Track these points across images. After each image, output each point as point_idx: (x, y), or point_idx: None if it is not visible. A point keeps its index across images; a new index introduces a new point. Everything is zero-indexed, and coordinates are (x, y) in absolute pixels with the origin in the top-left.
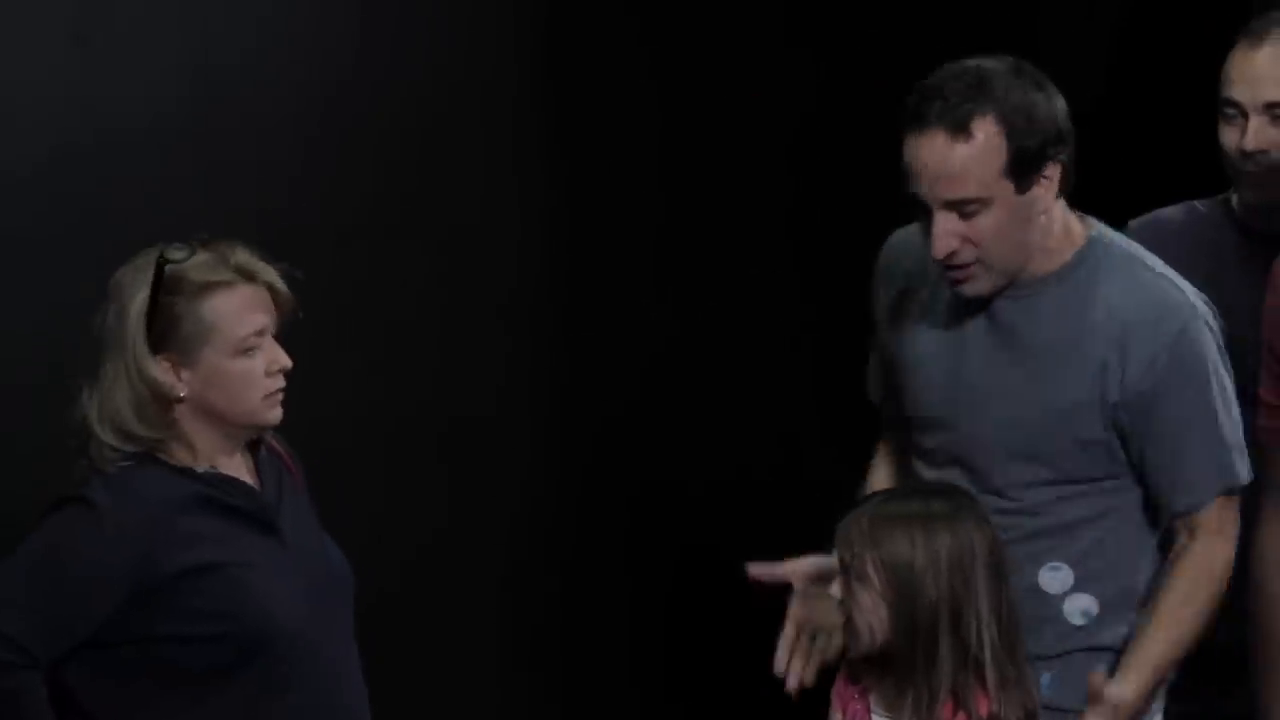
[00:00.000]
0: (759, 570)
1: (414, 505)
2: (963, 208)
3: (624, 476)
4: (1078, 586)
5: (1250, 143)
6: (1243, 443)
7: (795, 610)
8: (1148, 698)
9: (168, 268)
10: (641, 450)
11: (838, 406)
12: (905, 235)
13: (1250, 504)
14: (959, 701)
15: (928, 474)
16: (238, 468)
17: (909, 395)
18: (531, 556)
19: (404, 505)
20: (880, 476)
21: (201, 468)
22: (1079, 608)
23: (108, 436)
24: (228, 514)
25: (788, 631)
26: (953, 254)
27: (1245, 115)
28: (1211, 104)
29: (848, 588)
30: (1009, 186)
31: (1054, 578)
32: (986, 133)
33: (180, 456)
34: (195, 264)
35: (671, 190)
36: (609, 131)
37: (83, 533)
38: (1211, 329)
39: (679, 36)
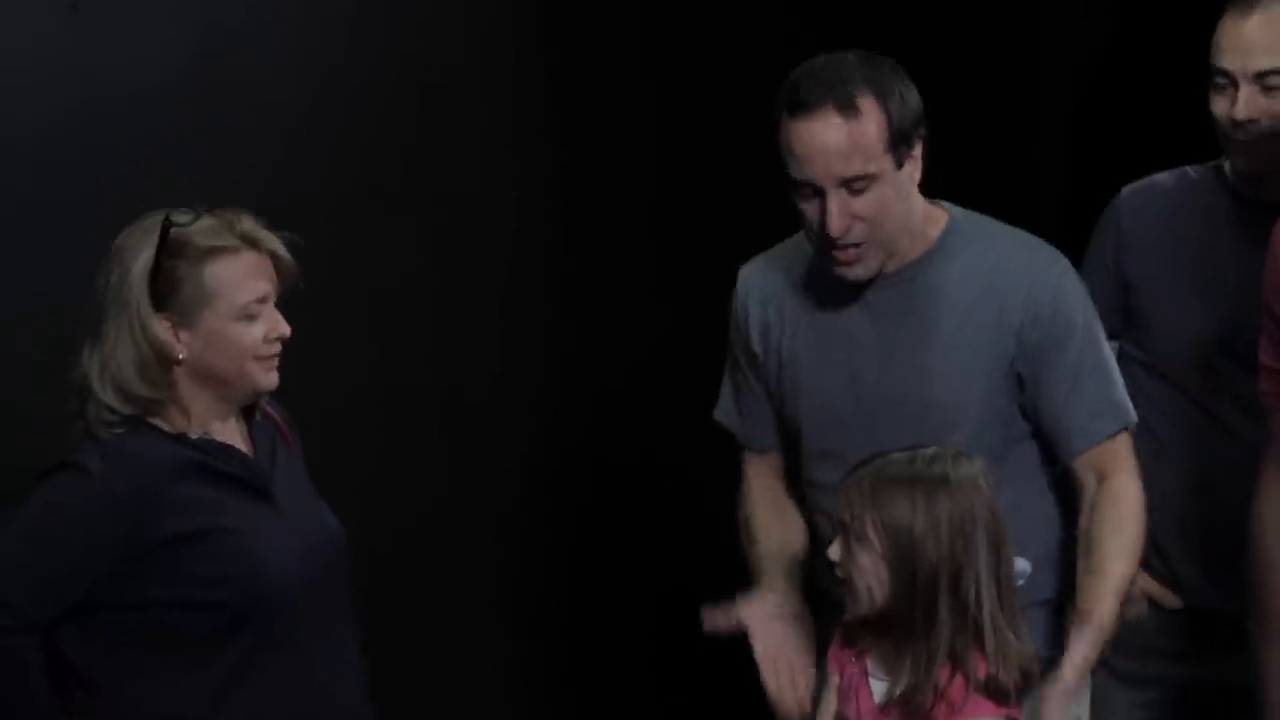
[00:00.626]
0: (714, 623)
1: (410, 474)
2: (854, 184)
3: (621, 449)
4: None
5: (1240, 112)
6: (1122, 383)
7: (762, 650)
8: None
9: (173, 230)
10: (638, 422)
11: None
12: (751, 268)
13: (1251, 469)
14: (956, 663)
15: (827, 502)
16: (232, 434)
17: (808, 426)
18: (527, 526)
19: (400, 474)
20: (761, 507)
21: (195, 434)
22: (1017, 570)
23: (107, 396)
24: (221, 480)
25: (766, 671)
26: (846, 233)
27: (1235, 84)
28: (1205, 71)
29: (847, 549)
30: (890, 161)
31: None
32: (870, 109)
33: (175, 422)
34: (200, 229)
35: (670, 165)
36: (608, 104)
37: (75, 498)
38: (1077, 281)
39: (679, 14)
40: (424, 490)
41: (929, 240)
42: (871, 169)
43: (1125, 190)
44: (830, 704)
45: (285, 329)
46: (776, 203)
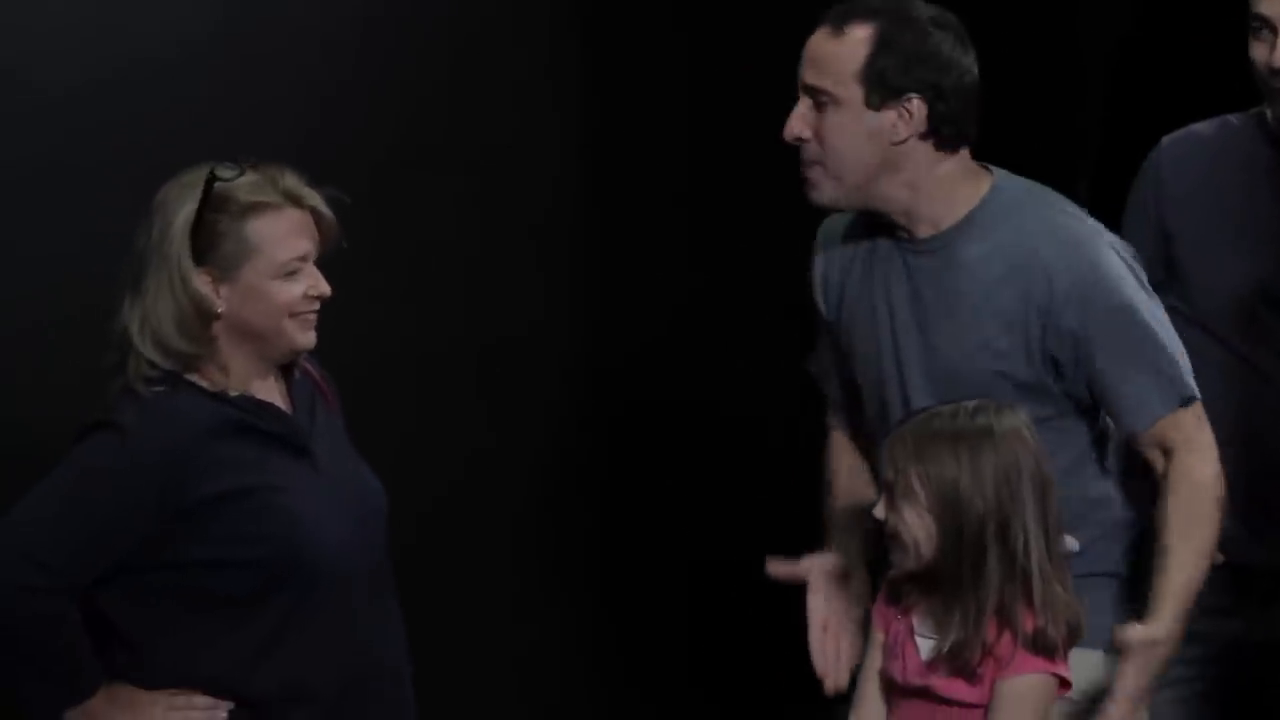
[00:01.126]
0: (778, 569)
1: (448, 430)
2: (817, 97)
3: (660, 406)
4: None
5: (1279, 59)
6: (1183, 355)
7: (815, 612)
8: (1181, 624)
9: (216, 185)
10: (675, 374)
11: None
12: (827, 224)
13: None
14: (1004, 618)
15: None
16: (270, 391)
17: (863, 384)
18: (565, 481)
19: (438, 430)
20: (843, 466)
21: (234, 391)
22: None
23: (147, 350)
24: (260, 438)
25: (815, 635)
26: (801, 143)
27: (1274, 30)
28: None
29: (892, 505)
30: (859, 93)
31: None
32: (857, 37)
33: (214, 378)
34: (244, 184)
35: (705, 114)
36: (643, 53)
37: (113, 457)
38: (1121, 255)
39: None
40: (462, 449)
41: (961, 210)
42: (834, 89)
43: (1165, 140)
44: (875, 661)
45: (326, 288)
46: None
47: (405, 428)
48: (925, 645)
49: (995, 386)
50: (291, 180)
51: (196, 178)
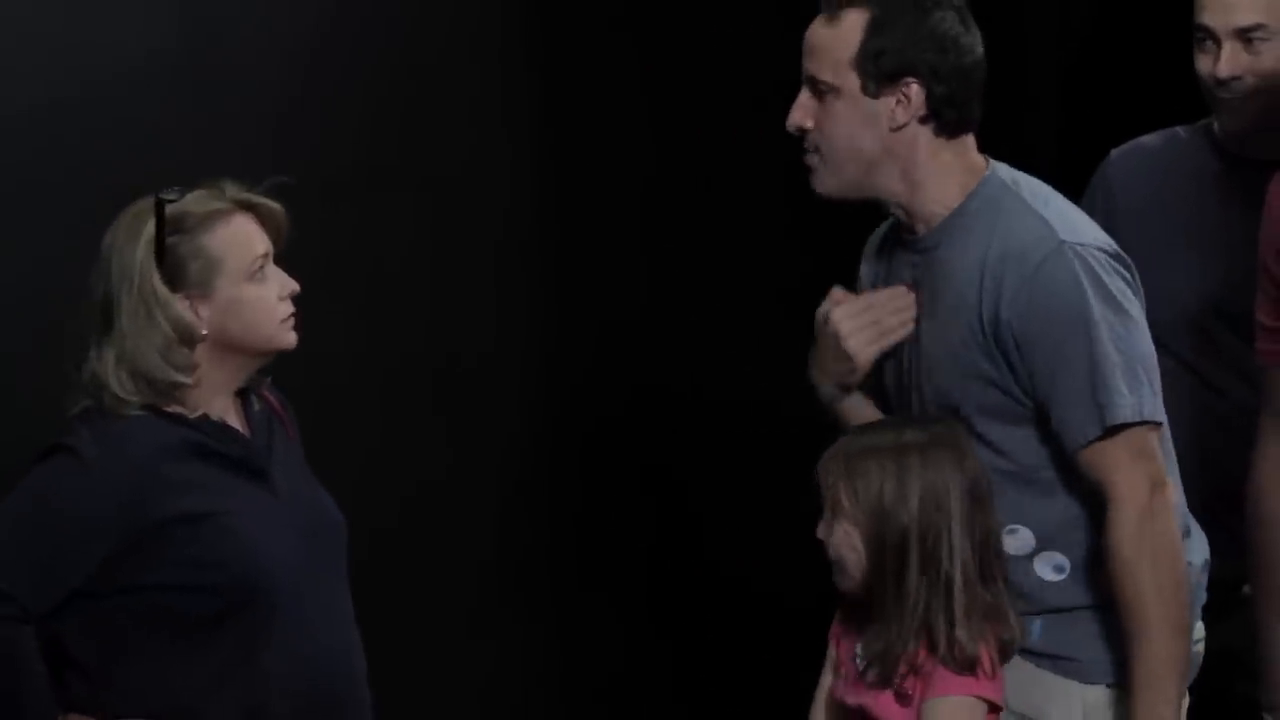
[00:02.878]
0: None
1: (405, 453)
2: (816, 85)
3: (615, 418)
4: (1041, 546)
5: (1224, 69)
6: (1139, 378)
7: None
8: (1174, 701)
9: (168, 206)
10: (632, 392)
11: None
12: (875, 235)
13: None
14: (927, 633)
15: None
16: (229, 415)
17: (890, 393)
18: (524, 505)
19: (396, 454)
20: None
21: (193, 414)
22: (1051, 564)
23: (126, 388)
24: (218, 461)
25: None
26: (802, 133)
27: (1218, 41)
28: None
29: (828, 521)
30: (855, 81)
31: (1012, 541)
32: (851, 23)
33: (184, 403)
34: (192, 199)
35: (661, 132)
36: (598, 74)
37: (70, 482)
38: (1091, 265)
39: None
40: (420, 470)
41: (953, 204)
42: (829, 78)
43: (1113, 153)
44: (827, 680)
45: (294, 284)
46: (778, 166)
47: (363, 450)
48: (861, 664)
49: (978, 391)
50: (233, 187)
51: (141, 208)
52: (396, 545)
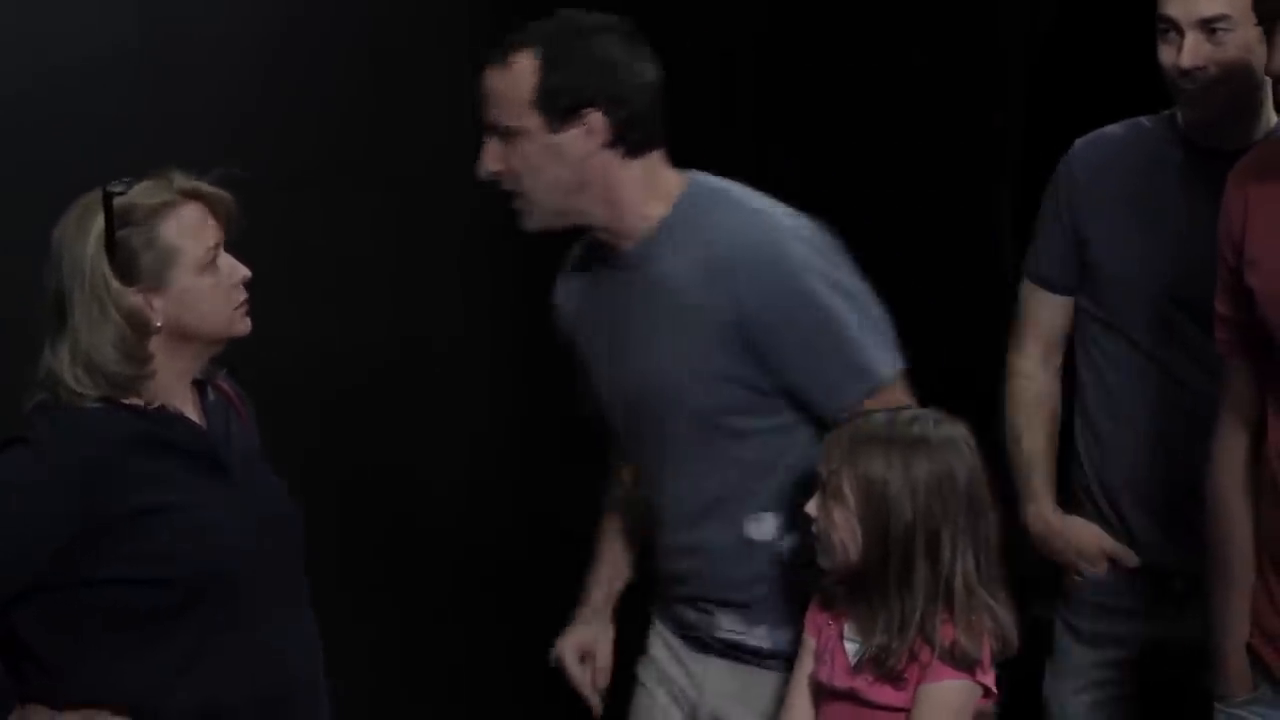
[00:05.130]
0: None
1: (370, 447)
2: (500, 131)
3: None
4: (788, 528)
5: (1186, 60)
6: (883, 334)
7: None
8: None
9: (116, 199)
10: None
11: None
12: (572, 250)
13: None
14: (923, 630)
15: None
16: (186, 406)
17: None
18: (492, 497)
19: (360, 448)
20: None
21: (149, 406)
22: (791, 547)
23: (82, 382)
24: (175, 453)
25: (576, 676)
26: (498, 177)
27: (1181, 33)
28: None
29: (823, 504)
30: (538, 120)
31: (760, 527)
32: (521, 66)
33: (142, 395)
34: (138, 191)
35: None
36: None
37: (26, 474)
38: (811, 245)
39: None
40: (385, 464)
41: (655, 217)
42: (511, 122)
43: (1077, 143)
44: (805, 665)
45: (246, 271)
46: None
47: (328, 444)
48: (852, 649)
49: (720, 391)
50: (180, 177)
51: (89, 202)
52: (356, 541)
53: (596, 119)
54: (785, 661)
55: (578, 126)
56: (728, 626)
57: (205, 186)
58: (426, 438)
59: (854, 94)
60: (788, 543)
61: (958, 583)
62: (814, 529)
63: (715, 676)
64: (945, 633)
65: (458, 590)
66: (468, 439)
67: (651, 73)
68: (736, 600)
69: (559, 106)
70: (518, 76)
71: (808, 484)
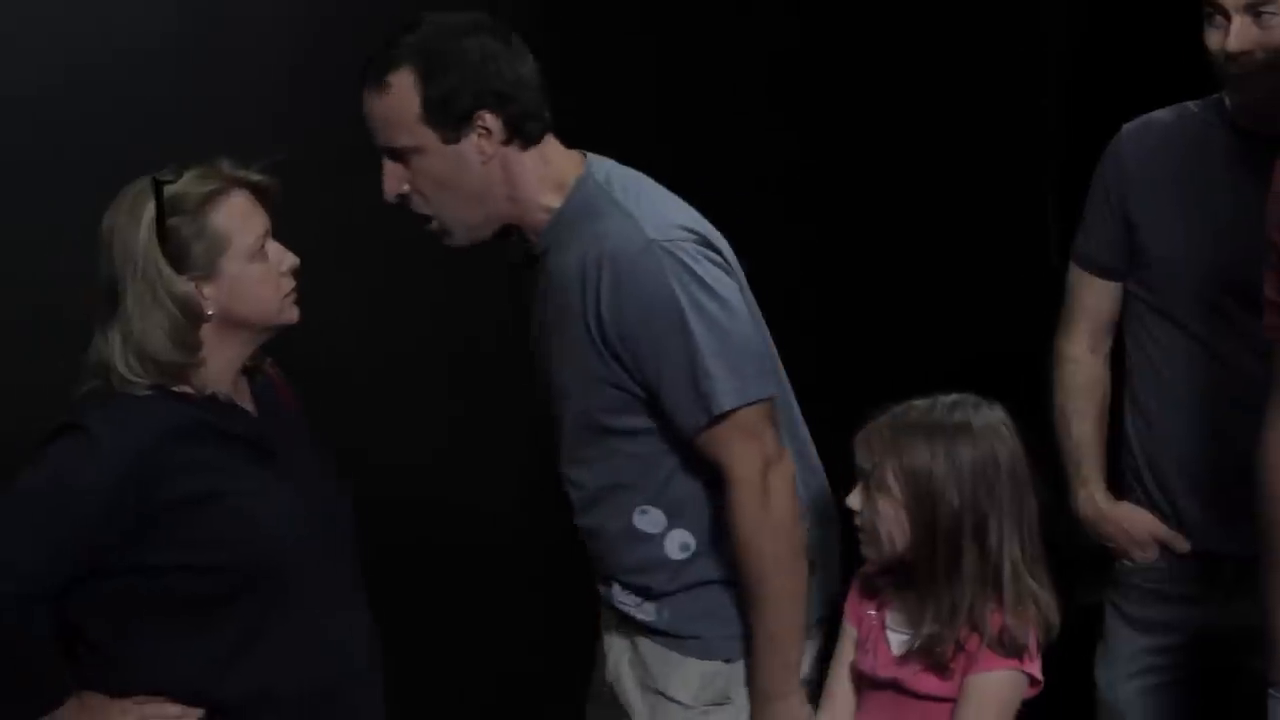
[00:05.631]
0: None
1: (420, 435)
2: (396, 154)
3: None
4: (672, 524)
5: (1233, 44)
6: (740, 360)
7: None
8: (794, 665)
9: (166, 188)
10: None
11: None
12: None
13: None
14: (972, 618)
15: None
16: (236, 393)
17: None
18: (541, 486)
19: (409, 435)
20: None
21: (201, 394)
22: (678, 543)
23: (134, 370)
24: (227, 440)
25: None
26: (404, 200)
27: (1227, 16)
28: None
29: (867, 497)
30: (432, 135)
31: (646, 519)
32: (400, 84)
33: (193, 383)
34: (190, 179)
35: (670, 116)
36: (609, 53)
37: (81, 461)
38: (674, 254)
39: None
40: (434, 451)
41: (553, 206)
42: (406, 142)
43: (1125, 128)
44: (846, 654)
45: (294, 259)
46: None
47: (376, 432)
48: (896, 639)
49: (598, 392)
50: (228, 165)
51: (139, 190)
52: (408, 529)
53: (490, 119)
54: (673, 639)
55: (474, 131)
56: (620, 599)
57: (253, 174)
58: (473, 430)
59: (898, 80)
60: (676, 536)
61: (1006, 568)
62: (857, 521)
63: (616, 643)
64: (994, 620)
65: (505, 585)
66: (516, 432)
67: (528, 60)
68: (628, 583)
69: (451, 115)
70: (399, 95)
71: (694, 480)
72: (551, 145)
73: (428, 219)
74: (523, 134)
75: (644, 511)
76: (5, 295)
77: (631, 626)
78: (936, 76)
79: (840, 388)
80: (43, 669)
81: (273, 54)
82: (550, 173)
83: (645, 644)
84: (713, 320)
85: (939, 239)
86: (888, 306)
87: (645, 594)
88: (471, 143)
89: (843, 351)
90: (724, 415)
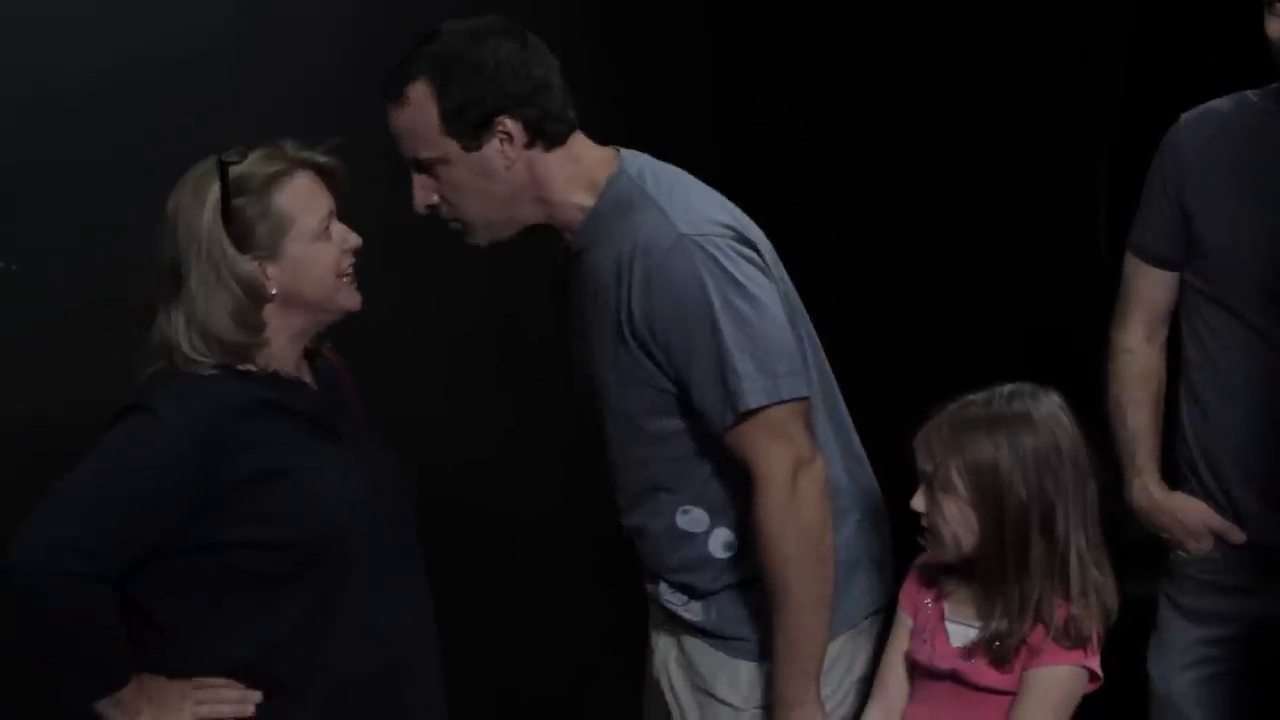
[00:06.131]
0: None
1: (471, 416)
2: (421, 165)
3: None
4: (715, 523)
5: None
6: (772, 358)
7: None
8: (812, 673)
9: (231, 169)
10: None
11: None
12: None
13: None
14: (1038, 610)
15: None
16: (298, 373)
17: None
18: (592, 468)
19: (461, 417)
20: None
21: (265, 372)
22: (722, 541)
23: (198, 349)
24: (290, 417)
25: None
26: (435, 210)
27: None
28: None
29: (931, 498)
30: (454, 145)
31: (688, 519)
32: (418, 97)
33: (256, 362)
34: (254, 160)
35: (726, 100)
36: (661, 37)
37: (147, 440)
38: (706, 250)
39: None
40: (486, 433)
41: (588, 205)
42: (429, 154)
43: (1183, 118)
44: (901, 644)
45: (357, 239)
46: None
47: (428, 414)
48: (956, 631)
49: (635, 392)
50: (293, 146)
51: (204, 172)
52: (465, 512)
53: (511, 124)
54: (720, 640)
55: (494, 136)
56: (667, 597)
57: (318, 155)
58: (521, 421)
59: (953, 75)
60: (720, 534)
61: (1072, 557)
62: (923, 523)
63: (663, 641)
64: (1060, 612)
65: (559, 567)
66: (566, 413)
67: (548, 61)
68: (674, 581)
69: (469, 123)
70: (418, 108)
71: (736, 478)
72: (580, 144)
73: (454, 226)
74: (545, 136)
75: (686, 511)
76: (67, 286)
77: (679, 625)
78: (990, 72)
79: (893, 385)
80: (108, 651)
81: (324, 48)
82: (581, 171)
83: (692, 643)
84: (743, 317)
85: (990, 226)
86: (939, 300)
87: (691, 593)
88: (494, 148)
89: (894, 348)
90: (751, 413)
